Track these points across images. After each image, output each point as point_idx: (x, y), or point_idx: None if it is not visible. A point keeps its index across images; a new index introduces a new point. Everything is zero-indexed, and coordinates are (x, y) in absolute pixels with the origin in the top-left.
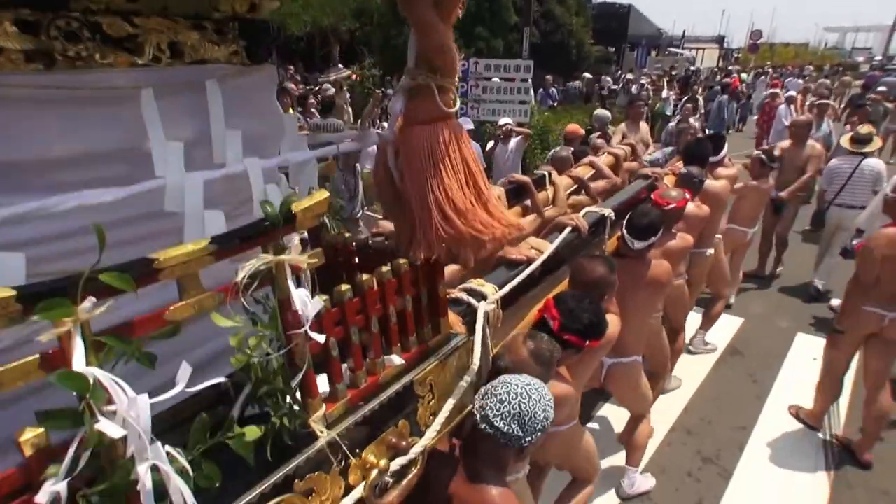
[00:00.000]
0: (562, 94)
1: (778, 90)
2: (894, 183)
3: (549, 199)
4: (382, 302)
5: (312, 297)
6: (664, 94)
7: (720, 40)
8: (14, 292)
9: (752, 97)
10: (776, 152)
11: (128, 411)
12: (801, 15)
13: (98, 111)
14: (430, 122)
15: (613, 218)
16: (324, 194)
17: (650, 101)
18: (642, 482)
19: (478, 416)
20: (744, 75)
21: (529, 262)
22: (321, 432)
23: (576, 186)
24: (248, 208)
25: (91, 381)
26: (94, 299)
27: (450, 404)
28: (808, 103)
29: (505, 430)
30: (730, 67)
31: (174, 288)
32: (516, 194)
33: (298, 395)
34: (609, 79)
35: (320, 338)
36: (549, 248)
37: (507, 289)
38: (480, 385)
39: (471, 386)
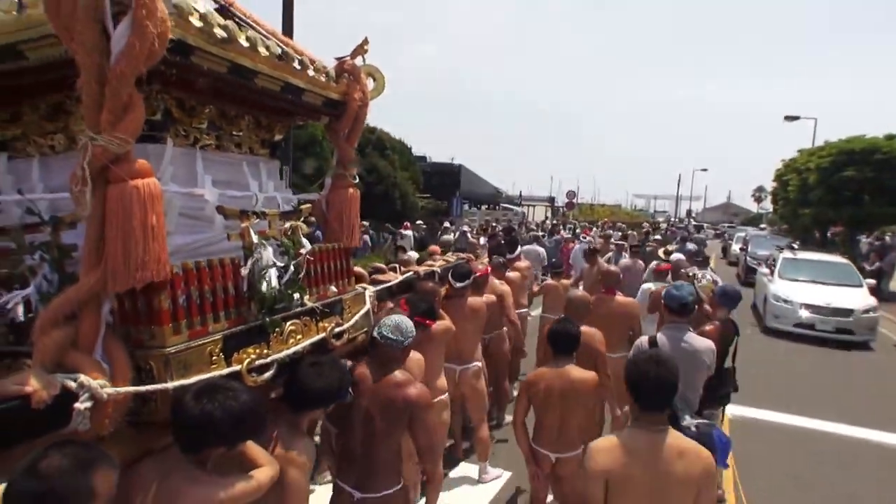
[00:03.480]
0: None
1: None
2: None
3: None
4: (329, 259)
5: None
6: (481, 240)
7: (552, 200)
8: (240, 210)
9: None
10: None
11: (266, 252)
12: (617, 182)
13: (231, 167)
14: (345, 188)
15: (440, 273)
16: (309, 205)
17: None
18: (493, 472)
19: (378, 335)
20: (570, 227)
21: (389, 281)
22: (310, 303)
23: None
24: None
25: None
26: (251, 218)
27: (357, 316)
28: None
29: (393, 337)
30: (554, 221)
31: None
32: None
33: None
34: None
35: (310, 258)
36: (399, 278)
37: (377, 289)
38: (368, 326)
39: (364, 316)
